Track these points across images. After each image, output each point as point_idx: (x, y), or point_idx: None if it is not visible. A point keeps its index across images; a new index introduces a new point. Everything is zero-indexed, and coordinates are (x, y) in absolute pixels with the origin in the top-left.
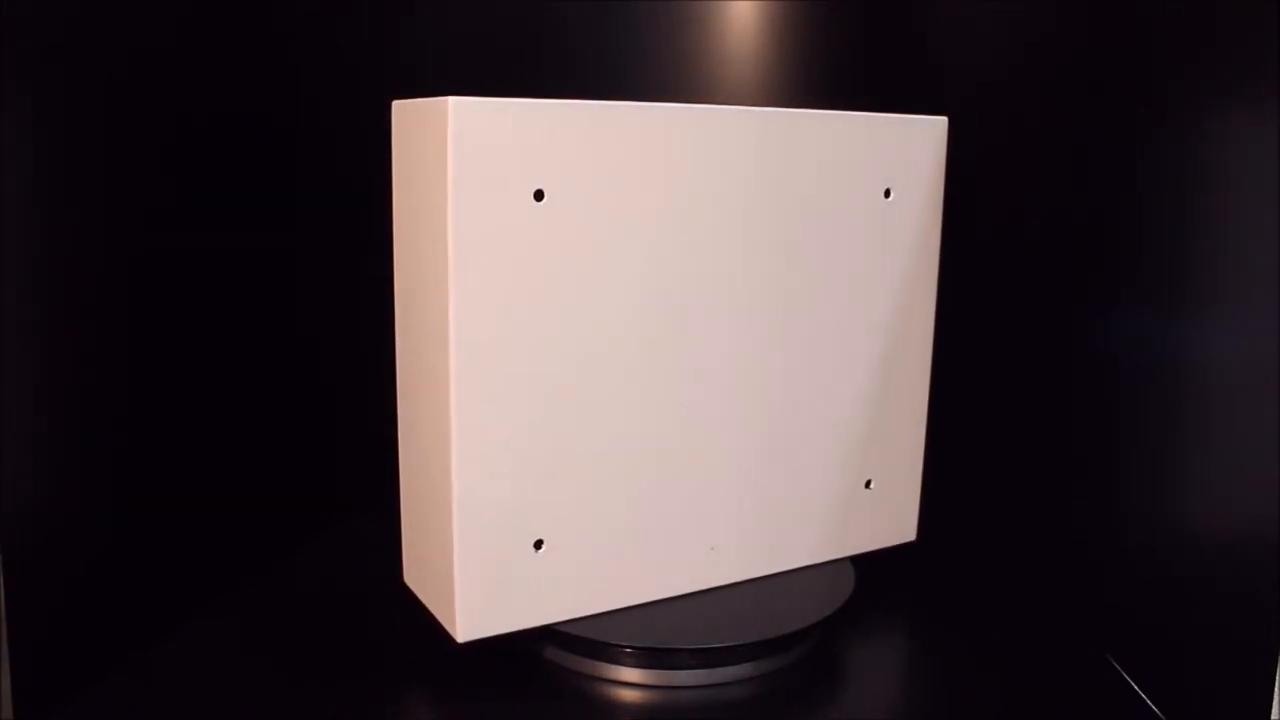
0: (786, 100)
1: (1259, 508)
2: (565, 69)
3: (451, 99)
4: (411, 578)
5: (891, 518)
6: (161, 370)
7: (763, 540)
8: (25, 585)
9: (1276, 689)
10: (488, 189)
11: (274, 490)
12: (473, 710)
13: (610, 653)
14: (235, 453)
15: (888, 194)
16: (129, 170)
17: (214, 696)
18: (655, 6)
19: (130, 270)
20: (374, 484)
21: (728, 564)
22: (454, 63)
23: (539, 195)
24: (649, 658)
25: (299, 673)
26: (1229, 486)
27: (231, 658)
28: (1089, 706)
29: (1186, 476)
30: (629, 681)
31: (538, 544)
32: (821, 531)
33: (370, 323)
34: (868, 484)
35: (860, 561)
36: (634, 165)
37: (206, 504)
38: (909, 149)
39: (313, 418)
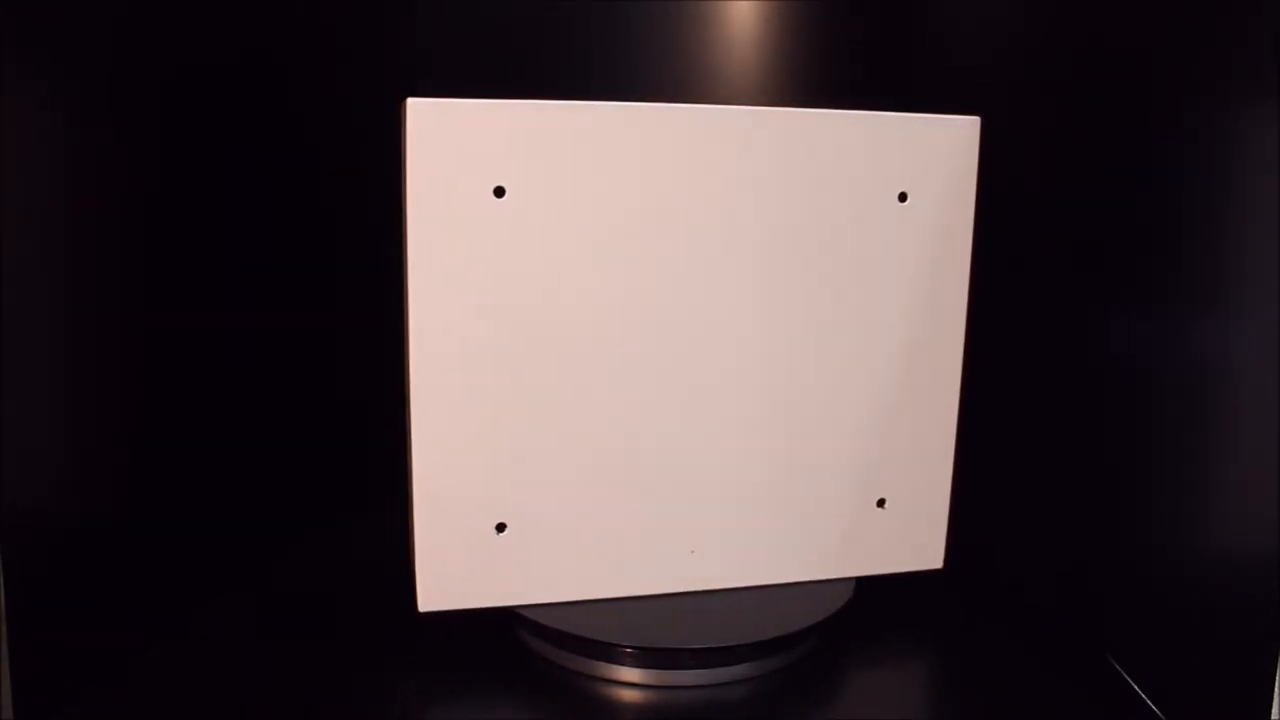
0: (796, 101)
1: (1259, 508)
2: (567, 68)
3: (410, 100)
4: (411, 550)
5: (910, 541)
6: (162, 370)
7: (752, 549)
8: (25, 585)
9: (1276, 689)
10: (447, 186)
11: (276, 492)
12: (473, 709)
13: (610, 653)
14: (237, 453)
15: (903, 198)
16: (131, 174)
17: (214, 697)
18: (656, 6)
19: (133, 271)
20: (384, 484)
21: (711, 569)
22: (458, 63)
23: (499, 192)
24: (649, 658)
25: (300, 673)
26: (1229, 486)
27: (232, 658)
28: (1089, 707)
29: (1187, 477)
30: (629, 681)
31: (500, 527)
32: (821, 547)
33: (376, 320)
34: (881, 503)
35: None
36: (599, 163)
37: (207, 504)
38: (929, 150)
39: (317, 416)
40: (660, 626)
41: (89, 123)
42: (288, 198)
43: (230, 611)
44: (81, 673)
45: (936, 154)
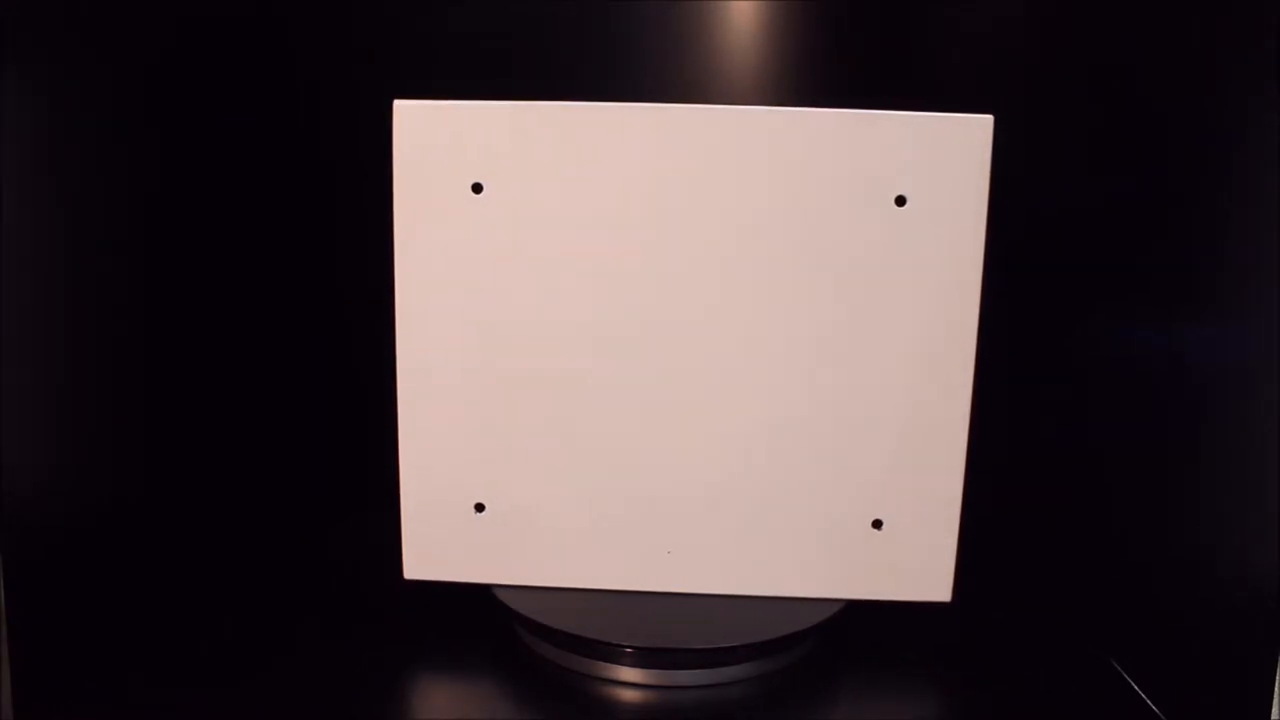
0: (798, 102)
1: (1259, 509)
2: (567, 69)
3: (398, 101)
4: None
5: (910, 568)
6: (163, 373)
7: (731, 557)
8: (25, 586)
9: (1276, 689)
10: (429, 182)
11: (275, 491)
12: (473, 709)
13: (610, 653)
14: (236, 453)
15: (901, 202)
16: (133, 170)
17: (215, 697)
18: (658, 6)
19: (136, 271)
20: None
21: (688, 573)
22: (459, 63)
23: (477, 188)
24: (649, 658)
25: (302, 673)
26: (1230, 489)
27: (232, 657)
28: (1090, 707)
29: (1187, 478)
30: (629, 681)
31: (479, 507)
32: (806, 564)
33: (373, 317)
34: (877, 524)
35: None
36: (578, 162)
37: (205, 505)
38: (934, 151)
39: (318, 415)
40: (660, 626)
41: (85, 124)
42: (288, 198)
43: (231, 610)
44: (81, 673)
45: (942, 155)
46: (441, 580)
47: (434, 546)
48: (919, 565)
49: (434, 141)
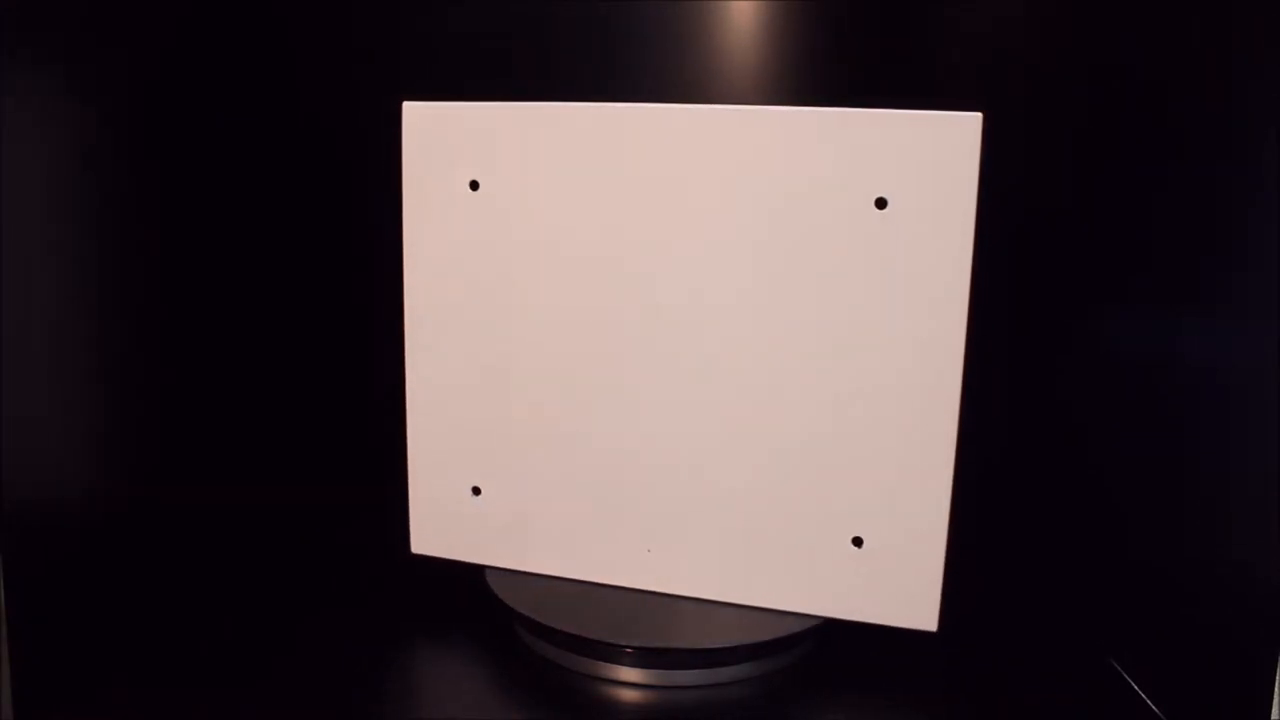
0: (798, 102)
1: (1259, 509)
2: (566, 69)
3: (406, 103)
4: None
5: (894, 591)
6: (164, 372)
7: (713, 562)
8: (25, 586)
9: (1276, 689)
10: (431, 179)
11: (275, 489)
12: (473, 708)
13: (610, 653)
14: (237, 452)
15: (882, 204)
16: (133, 169)
17: (215, 696)
18: (657, 6)
19: (135, 268)
20: (386, 479)
21: (668, 573)
22: (459, 63)
23: (474, 185)
24: (649, 658)
25: (302, 673)
26: (1229, 488)
27: (232, 657)
28: (1090, 708)
29: (1187, 477)
30: (629, 681)
31: (476, 490)
32: (785, 578)
33: (373, 314)
34: (858, 542)
35: None
36: (568, 160)
37: (205, 503)
38: (919, 151)
39: (320, 414)
40: (660, 626)
41: (85, 123)
42: (288, 197)
43: (231, 609)
44: (81, 673)
45: (927, 155)
46: (443, 557)
47: (437, 526)
48: (903, 589)
49: (438, 141)
